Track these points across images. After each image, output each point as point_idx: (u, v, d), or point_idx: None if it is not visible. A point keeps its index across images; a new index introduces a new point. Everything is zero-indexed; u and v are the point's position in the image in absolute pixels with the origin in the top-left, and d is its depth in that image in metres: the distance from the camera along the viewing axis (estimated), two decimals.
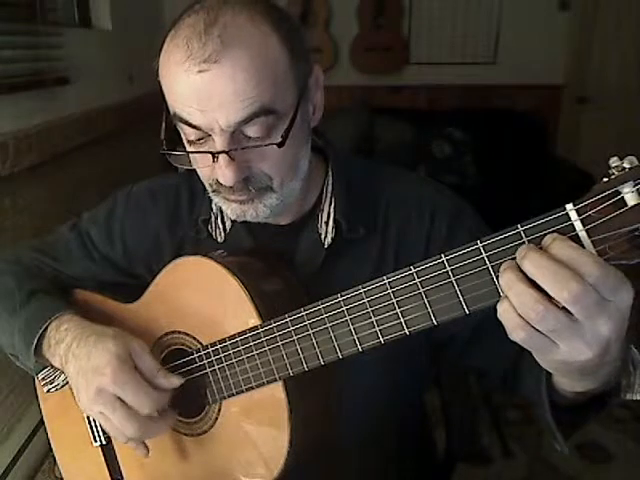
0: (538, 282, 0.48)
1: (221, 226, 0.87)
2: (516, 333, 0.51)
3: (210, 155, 0.70)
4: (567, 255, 0.48)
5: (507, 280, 0.50)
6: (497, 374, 0.80)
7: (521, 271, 0.49)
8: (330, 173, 0.85)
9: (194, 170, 0.84)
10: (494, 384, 0.78)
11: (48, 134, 1.73)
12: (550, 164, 3.38)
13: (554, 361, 0.53)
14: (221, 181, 0.71)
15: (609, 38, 3.46)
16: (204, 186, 0.82)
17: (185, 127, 0.71)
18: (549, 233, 0.50)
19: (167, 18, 3.20)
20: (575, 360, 0.51)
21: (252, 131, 0.69)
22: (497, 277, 0.52)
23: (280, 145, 0.70)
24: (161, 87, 0.74)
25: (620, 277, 0.47)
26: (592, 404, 0.65)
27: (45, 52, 1.82)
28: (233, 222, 0.86)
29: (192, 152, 0.73)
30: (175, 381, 0.75)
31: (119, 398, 0.73)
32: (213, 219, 0.87)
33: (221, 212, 0.86)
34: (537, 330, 0.50)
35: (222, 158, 0.69)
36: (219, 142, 0.69)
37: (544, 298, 0.48)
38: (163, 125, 0.76)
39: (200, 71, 0.66)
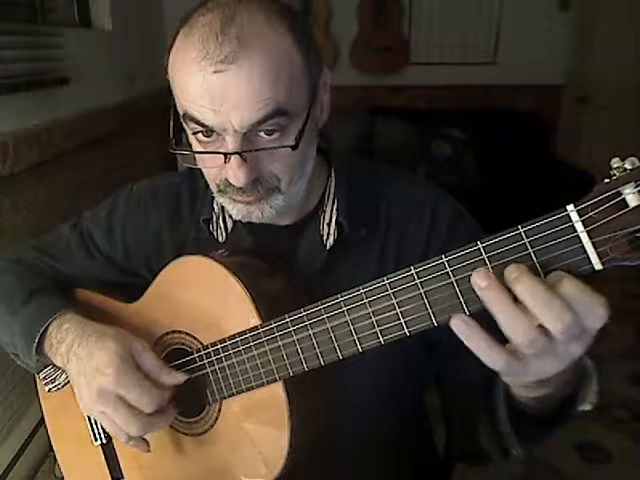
0: (529, 307, 0.49)
1: (222, 226, 0.87)
2: (494, 362, 0.51)
3: (221, 155, 0.70)
4: (571, 292, 0.48)
5: (496, 300, 0.50)
6: (478, 381, 0.79)
7: (506, 288, 0.50)
8: (333, 174, 0.85)
9: (195, 169, 0.84)
10: (474, 392, 0.78)
11: (48, 134, 1.73)
12: (550, 164, 3.38)
13: (522, 381, 0.55)
14: (232, 182, 0.71)
15: (609, 38, 3.46)
16: (205, 185, 0.82)
17: (196, 127, 0.70)
18: (550, 234, 0.50)
19: (167, 18, 3.20)
20: (541, 376, 0.53)
21: (265, 132, 0.69)
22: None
23: (294, 148, 0.70)
24: (169, 85, 0.73)
25: (606, 308, 0.48)
26: (553, 413, 0.66)
27: (45, 52, 1.82)
28: (235, 222, 0.86)
29: (204, 152, 0.73)
30: (179, 377, 0.76)
31: (121, 397, 0.73)
32: (214, 219, 0.87)
33: (223, 212, 0.86)
34: (514, 357, 0.51)
35: (234, 159, 0.69)
36: (232, 143, 0.69)
37: (535, 324, 0.49)
38: (171, 123, 0.76)
39: (216, 71, 0.65)
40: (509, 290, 0.50)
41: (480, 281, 0.51)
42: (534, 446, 0.71)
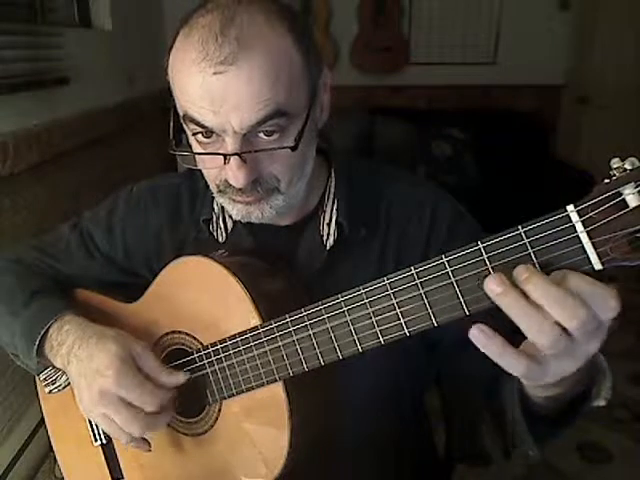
0: (543, 307, 0.49)
1: (222, 226, 0.87)
2: (515, 368, 0.51)
3: (221, 156, 0.70)
4: (582, 288, 0.48)
5: (514, 305, 0.50)
6: (481, 381, 0.79)
7: (522, 292, 0.50)
8: (333, 174, 0.85)
9: (195, 169, 0.84)
10: (478, 390, 0.78)
11: (48, 134, 1.73)
12: (550, 164, 3.38)
13: (541, 382, 0.55)
14: (232, 183, 0.71)
15: (609, 38, 3.46)
16: (205, 185, 0.82)
17: (196, 127, 0.70)
18: (550, 234, 0.50)
19: (167, 18, 3.20)
20: (559, 376, 0.53)
21: (264, 133, 0.69)
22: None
23: (294, 149, 0.70)
24: (169, 85, 0.73)
25: (617, 299, 0.48)
26: (563, 413, 0.66)
27: (45, 52, 1.82)
28: (235, 222, 0.86)
29: (204, 153, 0.73)
30: (180, 377, 0.76)
31: (122, 399, 0.73)
32: (214, 219, 0.87)
33: (223, 212, 0.86)
34: (534, 362, 0.51)
35: (234, 160, 0.69)
36: (231, 144, 0.69)
37: (556, 323, 0.49)
38: (171, 124, 0.75)
39: (216, 72, 0.65)
40: (524, 293, 0.50)
41: (495, 287, 0.50)
42: (544, 446, 0.70)
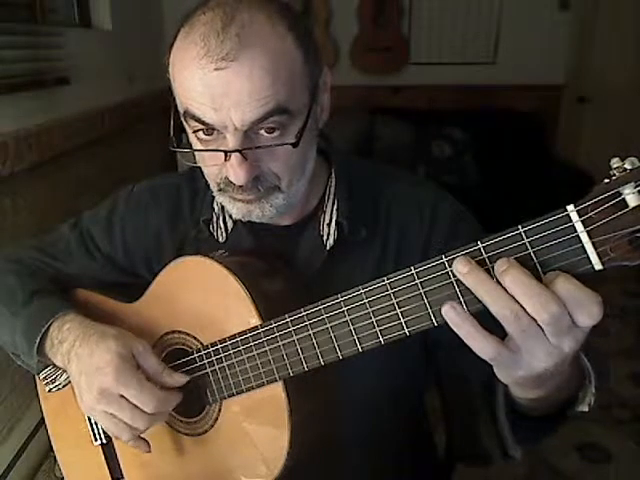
0: (517, 298, 0.50)
1: (222, 226, 0.87)
2: (485, 350, 0.52)
3: (222, 153, 0.70)
4: (563, 287, 0.49)
5: (478, 282, 0.51)
6: (481, 381, 0.79)
7: (487, 271, 0.52)
8: (333, 175, 0.85)
9: (195, 169, 0.84)
10: (476, 392, 0.78)
11: (48, 134, 1.73)
12: (550, 164, 3.38)
13: (515, 376, 0.55)
14: (232, 180, 0.71)
15: (609, 38, 3.46)
16: (205, 185, 0.82)
17: (196, 124, 0.71)
18: (550, 234, 0.50)
19: (167, 18, 3.20)
20: (533, 371, 0.53)
21: (265, 130, 0.69)
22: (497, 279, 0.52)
23: (295, 145, 0.70)
24: (169, 84, 0.73)
25: (600, 307, 0.49)
26: (550, 417, 0.66)
27: (45, 52, 1.82)
28: (235, 222, 0.86)
29: (205, 150, 0.73)
30: (180, 379, 0.76)
31: (123, 396, 0.73)
32: (215, 219, 0.87)
33: (223, 212, 0.86)
34: (504, 347, 0.52)
35: (235, 157, 0.69)
36: (232, 141, 0.69)
37: (517, 301, 0.50)
38: (171, 122, 0.76)
39: (217, 69, 0.66)
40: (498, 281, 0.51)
41: (461, 267, 0.52)
42: (534, 446, 0.71)
